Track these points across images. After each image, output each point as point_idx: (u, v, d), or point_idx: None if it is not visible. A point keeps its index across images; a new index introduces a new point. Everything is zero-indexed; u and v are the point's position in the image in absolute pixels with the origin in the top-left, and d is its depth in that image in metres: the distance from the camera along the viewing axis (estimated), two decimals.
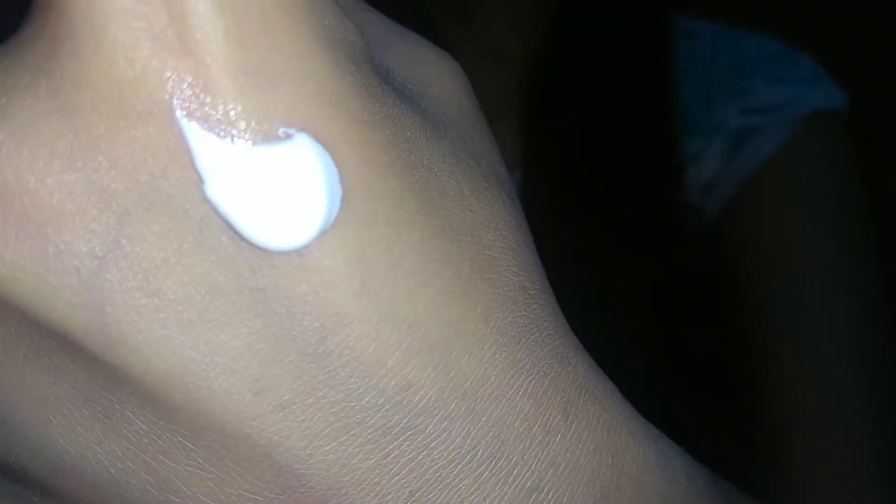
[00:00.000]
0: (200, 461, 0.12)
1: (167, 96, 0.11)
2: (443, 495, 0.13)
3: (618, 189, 0.46)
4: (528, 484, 0.14)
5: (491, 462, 0.13)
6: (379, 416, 0.13)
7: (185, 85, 0.11)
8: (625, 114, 0.48)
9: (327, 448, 0.12)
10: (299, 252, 0.12)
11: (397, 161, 0.12)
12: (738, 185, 0.48)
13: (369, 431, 0.13)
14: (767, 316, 0.46)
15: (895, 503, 0.41)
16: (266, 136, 0.11)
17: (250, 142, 0.11)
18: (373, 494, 0.13)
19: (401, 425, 0.13)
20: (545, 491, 0.14)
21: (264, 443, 0.12)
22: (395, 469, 0.13)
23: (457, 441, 0.13)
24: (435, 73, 0.15)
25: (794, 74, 0.50)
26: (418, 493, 0.13)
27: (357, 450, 0.13)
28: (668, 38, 0.50)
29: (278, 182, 0.11)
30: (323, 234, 0.12)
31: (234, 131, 0.11)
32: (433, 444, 0.13)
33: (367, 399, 0.12)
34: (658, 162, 0.48)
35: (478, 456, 0.13)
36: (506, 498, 0.14)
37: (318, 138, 0.11)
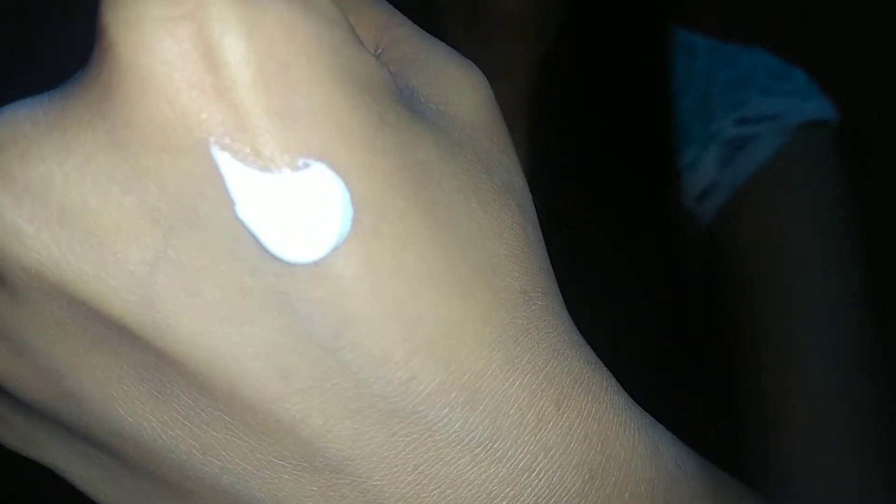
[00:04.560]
0: (236, 431, 0.15)
1: (204, 134, 0.13)
2: (443, 470, 0.15)
3: (617, 198, 0.48)
4: (521, 464, 0.16)
5: (487, 444, 0.15)
6: (387, 401, 0.15)
7: (218, 124, 0.13)
8: (624, 126, 0.49)
9: (342, 426, 0.15)
10: (316, 263, 0.14)
11: (406, 182, 0.14)
12: (733, 190, 0.49)
13: (378, 414, 0.15)
14: (757, 318, 0.47)
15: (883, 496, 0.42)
16: (287, 165, 0.13)
17: (273, 171, 0.13)
18: (382, 466, 0.15)
19: (406, 410, 0.15)
20: (536, 471, 0.16)
21: (288, 419, 0.14)
22: (400, 446, 0.15)
23: (456, 425, 0.15)
24: (457, 89, 0.17)
25: (788, 87, 0.51)
26: (422, 467, 0.15)
27: (367, 429, 0.15)
28: (667, 53, 0.51)
29: (297, 205, 0.13)
30: (336, 248, 0.14)
31: (260, 162, 0.13)
32: (435, 427, 0.15)
33: (376, 387, 0.14)
34: (656, 171, 0.49)
35: (475, 439, 0.15)
36: (500, 476, 0.16)
37: (332, 166, 0.13)
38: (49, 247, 0.13)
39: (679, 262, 0.49)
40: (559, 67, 0.50)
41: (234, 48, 0.13)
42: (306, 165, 0.13)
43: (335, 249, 0.14)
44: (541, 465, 0.16)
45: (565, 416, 0.16)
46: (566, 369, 0.16)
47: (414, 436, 0.15)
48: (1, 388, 0.16)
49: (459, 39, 0.51)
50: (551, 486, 0.16)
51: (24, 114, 0.13)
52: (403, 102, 0.15)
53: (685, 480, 0.18)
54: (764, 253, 0.47)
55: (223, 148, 0.13)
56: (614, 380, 0.18)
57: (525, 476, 0.16)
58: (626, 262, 0.46)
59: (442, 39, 0.18)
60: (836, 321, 0.46)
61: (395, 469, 0.15)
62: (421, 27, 0.18)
